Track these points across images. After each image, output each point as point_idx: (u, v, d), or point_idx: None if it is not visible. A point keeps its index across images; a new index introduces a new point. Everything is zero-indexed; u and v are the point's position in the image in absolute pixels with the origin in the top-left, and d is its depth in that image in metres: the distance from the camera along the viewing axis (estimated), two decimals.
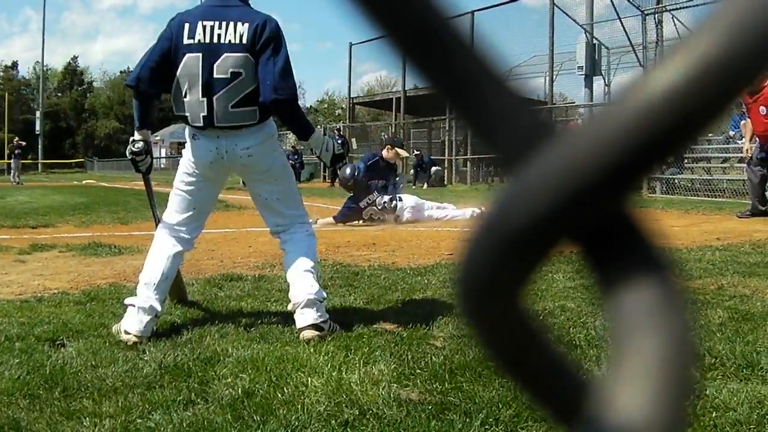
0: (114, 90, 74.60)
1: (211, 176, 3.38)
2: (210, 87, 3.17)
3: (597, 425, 0.26)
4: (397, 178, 9.67)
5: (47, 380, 2.55)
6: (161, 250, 3.34)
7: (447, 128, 23.88)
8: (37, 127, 55.99)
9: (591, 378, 0.30)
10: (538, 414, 2.11)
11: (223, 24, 3.18)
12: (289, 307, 3.26)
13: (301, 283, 3.25)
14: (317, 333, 3.13)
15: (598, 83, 19.27)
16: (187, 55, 3.18)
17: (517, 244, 0.28)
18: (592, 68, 18.30)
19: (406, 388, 2.47)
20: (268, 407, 2.29)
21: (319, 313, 3.19)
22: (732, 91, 0.24)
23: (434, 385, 2.46)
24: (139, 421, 2.21)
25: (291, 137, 28.49)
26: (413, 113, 27.04)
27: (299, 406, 2.29)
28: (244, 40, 3.16)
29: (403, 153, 9.87)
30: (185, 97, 3.21)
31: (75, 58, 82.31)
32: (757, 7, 0.23)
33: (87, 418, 2.21)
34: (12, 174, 29.92)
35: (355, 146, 25.72)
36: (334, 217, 9.22)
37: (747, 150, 9.25)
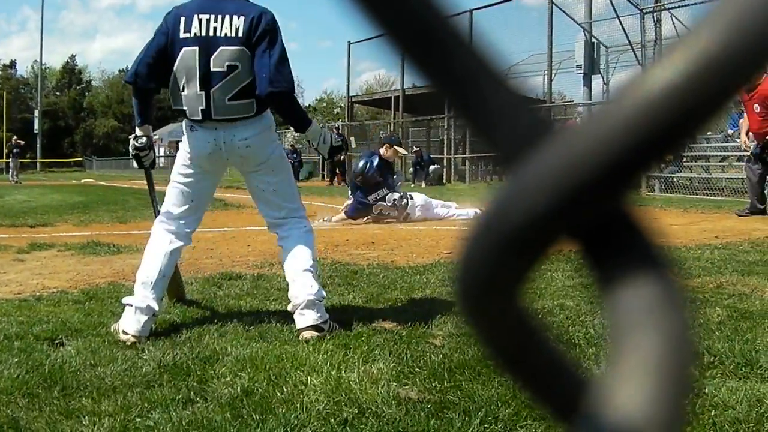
0: (112, 89, 74.60)
1: (208, 168, 3.37)
2: (207, 80, 3.17)
3: (596, 423, 0.26)
4: (395, 176, 9.69)
5: (46, 379, 2.54)
6: (158, 247, 3.33)
7: (446, 127, 23.91)
8: (36, 126, 55.95)
9: (590, 376, 0.30)
10: (537, 412, 2.11)
11: (219, 17, 3.18)
12: (289, 307, 3.25)
13: (301, 283, 3.24)
14: (317, 334, 3.13)
15: (596, 82, 19.30)
16: (184, 48, 3.18)
17: (515, 242, 0.28)
18: (591, 67, 18.31)
19: (405, 386, 2.47)
20: (267, 406, 2.29)
21: (318, 314, 3.19)
22: (731, 88, 0.24)
23: (433, 384, 2.46)
24: (138, 419, 2.21)
25: (289, 136, 28.50)
26: (412, 112, 27.05)
27: (298, 405, 2.29)
28: (240, 33, 3.17)
29: (401, 151, 9.91)
30: (183, 90, 3.21)
31: (73, 56, 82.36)
32: (756, 4, 0.23)
33: (86, 417, 2.21)
34: (10, 173, 29.91)
35: (354, 145, 25.71)
36: (345, 212, 9.30)
37: (744, 142, 9.28)
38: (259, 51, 3.17)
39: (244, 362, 2.72)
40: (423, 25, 0.27)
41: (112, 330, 3.21)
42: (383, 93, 32.53)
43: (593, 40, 18.55)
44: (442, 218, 9.20)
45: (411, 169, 22.75)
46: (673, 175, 13.95)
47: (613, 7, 18.46)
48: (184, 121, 3.34)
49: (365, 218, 9.12)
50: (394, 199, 9.04)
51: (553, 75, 20.19)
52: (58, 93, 77.40)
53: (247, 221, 8.67)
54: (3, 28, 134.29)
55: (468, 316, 0.31)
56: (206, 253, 5.99)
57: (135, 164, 3.60)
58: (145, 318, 3.13)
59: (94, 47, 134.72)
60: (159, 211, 3.50)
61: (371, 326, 3.28)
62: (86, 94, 78.61)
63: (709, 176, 14.13)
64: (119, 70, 74.94)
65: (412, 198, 9.23)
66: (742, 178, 10.70)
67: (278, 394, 2.39)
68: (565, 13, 19.64)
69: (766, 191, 8.95)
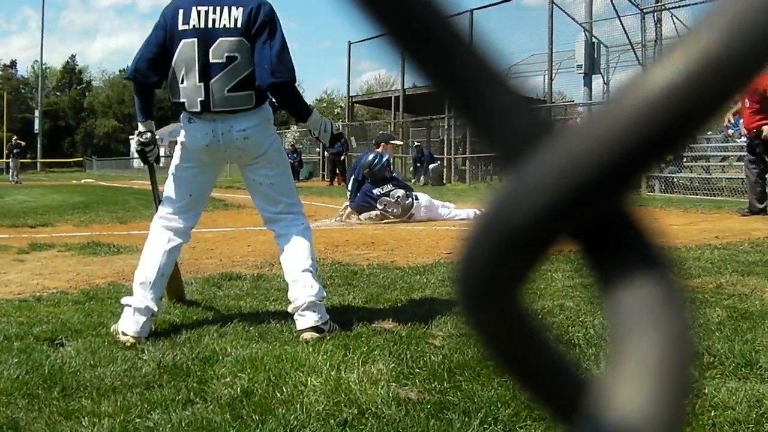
0: (113, 89, 74.66)
1: (207, 161, 3.36)
2: (206, 72, 3.17)
3: (596, 423, 0.26)
4: (393, 174, 9.72)
5: (46, 380, 2.54)
6: (157, 246, 3.32)
7: (446, 127, 23.89)
8: (36, 126, 55.97)
9: (590, 376, 0.30)
10: (537, 413, 2.11)
11: (218, 9, 3.19)
12: (289, 308, 3.24)
13: (301, 284, 3.23)
14: (317, 335, 3.13)
15: (597, 82, 19.31)
16: (183, 41, 3.19)
17: (516, 243, 0.28)
18: (591, 67, 18.31)
19: (405, 387, 2.47)
20: (267, 406, 2.29)
21: (319, 315, 3.19)
22: (731, 88, 0.24)
23: (433, 385, 2.46)
24: (137, 420, 2.21)
25: (289, 136, 28.51)
26: (412, 112, 27.05)
27: (298, 406, 2.28)
28: (239, 24, 3.17)
29: (397, 142, 9.95)
30: (182, 83, 3.21)
31: (73, 56, 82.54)
32: (757, 4, 0.23)
33: (86, 418, 2.21)
34: (11, 173, 29.93)
35: (354, 145, 25.72)
36: (349, 205, 9.33)
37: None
38: (259, 42, 3.17)
39: (244, 363, 2.72)
40: (423, 25, 0.27)
41: (111, 330, 3.20)
42: (383, 93, 32.52)
43: (594, 39, 18.55)
44: (444, 218, 9.22)
45: (411, 168, 22.73)
46: (673, 175, 13.95)
47: (614, 6, 18.47)
48: (182, 114, 3.33)
49: (372, 213, 9.09)
50: (398, 196, 9.04)
51: (553, 75, 20.19)
52: (58, 93, 77.44)
53: (247, 221, 8.67)
54: (3, 27, 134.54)
55: (468, 316, 0.31)
56: (206, 253, 6.00)
57: (140, 161, 3.59)
58: (143, 319, 3.13)
59: (95, 47, 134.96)
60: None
61: (371, 327, 3.28)
62: (87, 94, 78.67)
63: (709, 176, 14.14)
64: (120, 70, 74.98)
65: (417, 198, 9.25)
66: (742, 178, 10.69)
67: (278, 394, 2.39)
68: (566, 12, 19.65)
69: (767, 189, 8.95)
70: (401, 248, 6.36)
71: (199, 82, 3.18)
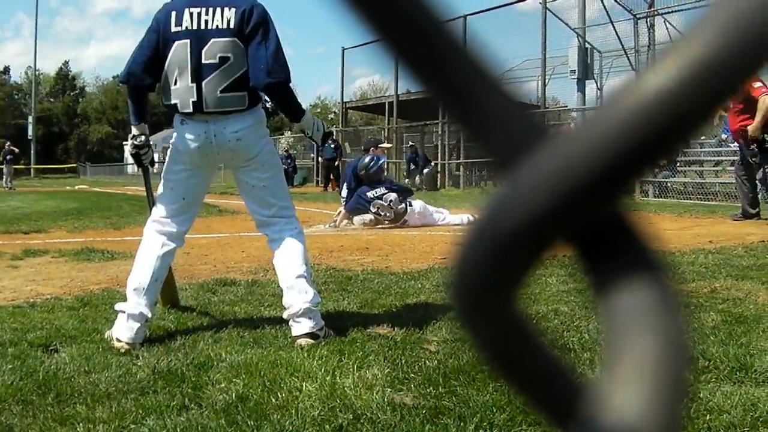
0: (106, 95, 74.57)
1: (200, 163, 3.34)
2: (199, 72, 3.17)
3: (591, 427, 0.26)
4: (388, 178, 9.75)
5: (40, 386, 2.53)
6: (150, 251, 3.30)
7: (440, 132, 23.90)
8: (30, 132, 55.80)
9: (585, 381, 0.30)
10: (532, 417, 2.11)
11: (210, 10, 3.18)
12: (285, 315, 3.23)
13: (296, 291, 3.22)
14: (313, 341, 3.12)
15: (590, 87, 19.34)
16: (176, 42, 3.19)
17: (510, 248, 0.28)
18: (585, 72, 18.38)
19: (400, 392, 2.47)
20: (262, 412, 2.28)
21: (314, 322, 3.18)
22: (724, 92, 0.24)
23: (428, 390, 2.46)
24: (132, 426, 2.20)
25: (283, 142, 28.49)
26: (406, 117, 27.04)
27: (293, 411, 2.28)
28: (232, 25, 3.17)
29: (386, 146, 9.97)
30: (174, 84, 3.21)
31: (67, 62, 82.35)
32: (749, 9, 0.23)
33: (80, 424, 2.20)
34: (4, 179, 29.80)
35: (348, 150, 25.73)
36: (344, 207, 9.32)
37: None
38: (253, 43, 3.17)
39: (239, 368, 2.72)
40: (417, 31, 0.27)
41: (106, 336, 3.19)
42: (377, 99, 32.49)
43: (587, 45, 18.62)
44: (438, 224, 9.23)
45: (405, 171, 22.73)
46: (667, 179, 13.98)
47: (607, 12, 18.51)
48: (175, 116, 3.32)
49: (366, 217, 9.08)
50: (390, 200, 9.04)
51: (547, 80, 20.24)
52: (52, 99, 77.27)
53: (241, 227, 8.65)
54: None
55: (463, 321, 0.31)
56: (200, 259, 5.99)
57: (134, 166, 3.61)
58: (137, 325, 3.12)
59: (89, 53, 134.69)
60: None
61: (366, 332, 3.28)
62: (80, 100, 78.55)
63: (703, 181, 14.18)
64: (113, 76, 74.80)
65: (411, 205, 9.25)
66: (735, 183, 10.72)
67: (273, 400, 2.39)
68: (559, 18, 19.69)
69: (759, 195, 8.97)
70: (396, 253, 6.36)
71: (192, 82, 3.17)
